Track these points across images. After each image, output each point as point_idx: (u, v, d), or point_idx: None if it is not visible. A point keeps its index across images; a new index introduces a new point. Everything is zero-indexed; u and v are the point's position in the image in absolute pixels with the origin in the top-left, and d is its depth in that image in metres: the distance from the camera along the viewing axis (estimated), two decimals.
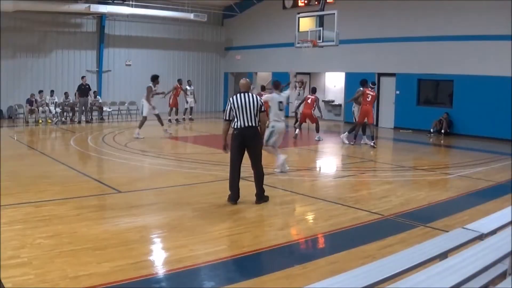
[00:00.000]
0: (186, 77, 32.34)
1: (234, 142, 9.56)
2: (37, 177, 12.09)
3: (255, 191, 9.73)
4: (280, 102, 12.94)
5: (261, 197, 9.74)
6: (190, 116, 28.12)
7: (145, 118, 19.50)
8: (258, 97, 9.85)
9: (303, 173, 13.38)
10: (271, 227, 8.30)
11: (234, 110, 9.51)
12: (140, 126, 19.36)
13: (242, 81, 9.96)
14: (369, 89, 18.36)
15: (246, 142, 9.51)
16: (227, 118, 9.68)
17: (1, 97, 26.69)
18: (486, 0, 20.68)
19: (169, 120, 25.64)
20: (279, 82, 13.48)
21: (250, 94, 9.67)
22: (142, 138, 19.05)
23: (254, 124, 9.51)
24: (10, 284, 5.62)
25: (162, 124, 20.15)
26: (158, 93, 20.18)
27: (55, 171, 13.01)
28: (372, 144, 17.91)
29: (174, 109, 26.84)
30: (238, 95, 9.65)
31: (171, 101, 26.66)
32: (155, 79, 19.90)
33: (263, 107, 9.74)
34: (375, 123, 17.91)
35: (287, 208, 9.55)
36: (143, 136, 19.22)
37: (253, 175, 9.81)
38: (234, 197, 9.65)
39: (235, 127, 9.54)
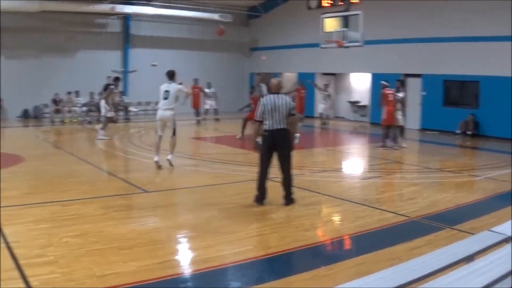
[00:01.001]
0: (211, 77, 32.41)
1: (264, 144, 9.53)
2: (64, 176, 12.25)
3: (282, 193, 9.75)
4: (167, 91, 13.08)
5: (289, 200, 9.69)
6: (216, 117, 28.06)
7: None
8: (289, 98, 9.71)
9: (330, 174, 13.39)
10: (298, 228, 8.30)
11: (265, 112, 9.41)
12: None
13: (273, 81, 9.84)
14: (388, 89, 17.90)
15: (276, 144, 9.46)
16: (258, 119, 9.59)
17: (26, 97, 27.09)
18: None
19: (198, 122, 26.01)
20: (173, 72, 13.40)
21: (281, 96, 9.56)
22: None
23: (284, 126, 9.40)
24: (36, 283, 5.71)
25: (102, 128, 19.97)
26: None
27: (81, 171, 13.16)
28: (395, 146, 17.74)
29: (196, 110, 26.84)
30: (269, 96, 9.56)
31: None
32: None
33: (294, 110, 9.64)
34: (400, 124, 17.62)
35: (313, 209, 9.56)
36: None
37: (280, 177, 9.75)
38: (261, 197, 9.65)
39: (266, 128, 9.45)
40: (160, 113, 13.29)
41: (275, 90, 9.66)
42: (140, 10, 29.07)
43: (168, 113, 13.15)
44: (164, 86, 13.17)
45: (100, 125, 19.63)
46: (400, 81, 18.23)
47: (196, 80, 26.95)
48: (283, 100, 9.46)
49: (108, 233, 7.68)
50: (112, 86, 19.97)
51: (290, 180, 9.70)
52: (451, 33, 23.02)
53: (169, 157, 13.43)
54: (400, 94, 17.43)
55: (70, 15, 27.83)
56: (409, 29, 24.97)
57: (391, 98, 17.55)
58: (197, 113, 26.62)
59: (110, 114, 19.67)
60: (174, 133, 13.43)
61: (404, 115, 17.73)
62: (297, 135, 11.33)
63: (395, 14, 25.67)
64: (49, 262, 6.35)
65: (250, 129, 16.97)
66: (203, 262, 6.59)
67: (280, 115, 9.36)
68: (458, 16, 22.85)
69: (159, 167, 13.25)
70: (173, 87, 13.09)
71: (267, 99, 9.48)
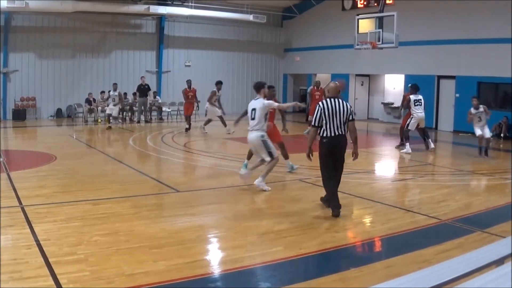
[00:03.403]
0: (247, 78, 32.59)
1: (323, 151, 9.12)
2: (96, 175, 12.45)
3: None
4: (253, 109, 10.94)
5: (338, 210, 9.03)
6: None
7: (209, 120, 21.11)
8: (348, 104, 9.25)
9: (361, 175, 13.35)
10: (328, 229, 8.32)
11: (323, 117, 9.01)
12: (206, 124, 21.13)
13: (331, 84, 9.49)
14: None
15: (335, 151, 9.09)
16: (316, 124, 9.13)
17: (60, 97, 27.74)
18: None
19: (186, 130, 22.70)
20: (261, 84, 11.35)
21: (340, 101, 9.12)
22: (206, 133, 20.62)
23: (343, 133, 9.05)
24: (65, 280, 5.81)
25: (225, 125, 20.64)
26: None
27: (113, 170, 13.35)
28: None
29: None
30: (328, 100, 9.10)
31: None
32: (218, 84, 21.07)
33: (353, 115, 9.21)
34: (426, 126, 17.65)
35: (344, 210, 9.49)
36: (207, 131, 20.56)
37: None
38: (338, 208, 9.00)
39: (324, 135, 9.07)
40: (248, 136, 11.13)
41: (332, 94, 9.27)
42: (175, 10, 29.25)
43: (254, 135, 10.91)
44: (251, 104, 11.07)
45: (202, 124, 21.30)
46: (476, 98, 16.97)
47: (189, 82, 23.83)
48: (342, 105, 9.05)
49: (139, 232, 7.77)
50: (215, 89, 20.90)
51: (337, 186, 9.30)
52: (486, 35, 22.78)
53: (256, 181, 11.04)
54: (481, 109, 16.50)
55: (105, 15, 28.19)
56: (442, 30, 24.75)
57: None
58: (188, 120, 22.89)
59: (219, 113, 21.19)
60: (270, 156, 10.88)
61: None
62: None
63: (429, 15, 25.46)
64: (78, 260, 6.44)
65: None
66: (233, 262, 6.63)
67: (339, 121, 8.98)
68: (492, 18, 22.61)
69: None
70: (259, 103, 10.91)
71: (325, 104, 9.05)
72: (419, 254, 7.12)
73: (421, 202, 10.62)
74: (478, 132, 16.40)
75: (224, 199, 10.51)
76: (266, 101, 10.84)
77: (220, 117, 21.09)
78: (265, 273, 6.48)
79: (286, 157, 13.07)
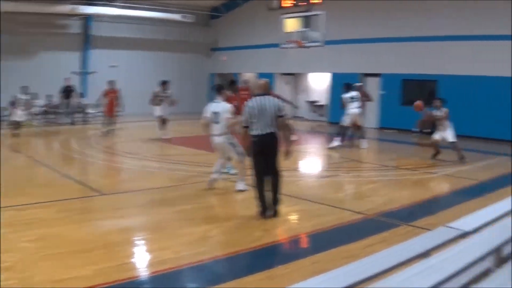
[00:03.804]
0: (174, 78, 32.32)
1: (253, 150, 8.82)
2: (19, 180, 11.97)
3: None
4: (216, 112, 10.62)
5: (277, 210, 8.87)
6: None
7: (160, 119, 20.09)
8: (276, 100, 8.94)
9: (287, 173, 13.31)
10: (255, 228, 8.24)
11: (251, 116, 8.68)
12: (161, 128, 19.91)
13: (260, 81, 9.14)
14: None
15: (265, 150, 8.72)
16: (245, 125, 8.82)
17: None
18: (470, 0, 20.85)
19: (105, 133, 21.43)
20: (222, 86, 11.27)
21: (268, 98, 8.79)
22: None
23: (273, 131, 8.67)
24: None
25: (161, 129, 20.07)
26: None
27: (38, 174, 12.93)
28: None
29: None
30: (255, 99, 8.79)
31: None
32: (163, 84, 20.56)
33: (282, 111, 8.79)
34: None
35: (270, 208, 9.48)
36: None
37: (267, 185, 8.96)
38: (264, 209, 8.82)
39: (253, 134, 8.73)
40: (215, 140, 10.83)
41: (261, 91, 8.91)
42: (102, 10, 28.77)
43: (222, 140, 10.66)
44: (213, 107, 10.76)
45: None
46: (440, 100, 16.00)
47: (111, 83, 22.43)
48: (270, 102, 8.71)
49: (66, 237, 7.54)
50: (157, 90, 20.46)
51: (278, 188, 8.94)
52: (410, 33, 23.30)
53: (239, 186, 10.74)
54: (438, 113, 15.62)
55: (30, 16, 27.27)
56: (368, 29, 25.17)
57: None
58: (110, 122, 22.01)
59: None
60: (239, 154, 10.53)
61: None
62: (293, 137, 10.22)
63: (355, 15, 25.86)
64: (5, 268, 6.16)
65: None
66: (160, 264, 6.53)
67: (268, 119, 8.61)
68: (415, 16, 23.14)
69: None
70: (222, 107, 10.65)
71: (253, 103, 8.74)
72: (345, 249, 7.15)
73: (347, 198, 10.73)
74: (437, 136, 15.42)
75: (150, 200, 10.31)
76: (229, 106, 10.69)
77: (160, 118, 19.99)
78: (193, 274, 6.40)
79: None
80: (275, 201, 8.89)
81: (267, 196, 8.84)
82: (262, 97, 8.76)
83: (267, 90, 8.99)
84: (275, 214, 8.79)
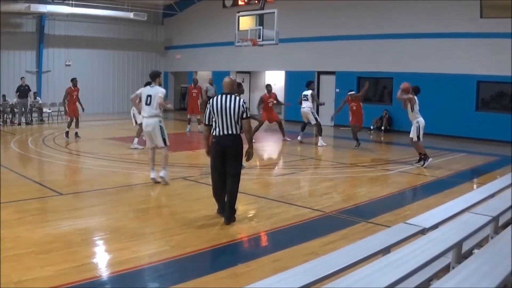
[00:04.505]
0: (127, 77, 32.17)
1: (212, 151, 8.54)
2: None
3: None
4: (149, 95, 11.21)
5: (231, 217, 8.47)
6: None
7: None
8: (242, 100, 8.46)
9: (244, 171, 13.28)
10: (214, 227, 8.21)
11: (213, 115, 8.41)
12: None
13: (226, 79, 8.66)
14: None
15: (225, 152, 8.37)
16: (206, 123, 8.60)
17: None
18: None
19: (66, 134, 19.82)
20: (157, 73, 11.74)
21: (232, 97, 8.39)
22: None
23: (234, 132, 8.33)
24: None
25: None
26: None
27: None
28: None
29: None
30: (219, 97, 8.42)
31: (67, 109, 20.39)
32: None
33: (247, 113, 8.44)
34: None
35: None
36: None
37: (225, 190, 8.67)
38: (223, 207, 8.58)
39: (214, 134, 8.44)
40: (144, 121, 11.44)
41: (227, 89, 8.54)
42: (55, 9, 28.44)
43: (153, 120, 11.23)
44: (146, 90, 11.36)
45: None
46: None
47: (74, 81, 20.48)
48: (234, 102, 8.32)
49: (24, 238, 7.40)
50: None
51: (235, 194, 8.57)
52: (365, 31, 23.55)
53: (161, 173, 11.30)
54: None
55: None
56: (322, 27, 25.35)
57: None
58: (75, 122, 20.00)
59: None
60: (164, 143, 11.32)
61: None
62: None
63: (308, 13, 25.98)
64: None
65: None
66: (120, 264, 6.46)
67: (230, 119, 8.28)
68: (369, 15, 23.38)
69: (156, 183, 11.44)
70: (155, 91, 11.23)
71: (214, 101, 8.41)
72: (305, 246, 7.16)
73: (305, 195, 10.77)
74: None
75: (108, 200, 10.16)
76: (162, 90, 11.34)
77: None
78: (153, 273, 6.34)
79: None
80: (230, 208, 8.49)
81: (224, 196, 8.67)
82: (225, 96, 8.38)
83: (232, 89, 8.61)
84: (228, 221, 8.38)
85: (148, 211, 9.23)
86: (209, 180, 9.07)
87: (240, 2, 29.59)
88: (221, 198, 8.62)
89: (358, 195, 10.60)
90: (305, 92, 18.40)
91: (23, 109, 25.50)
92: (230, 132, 8.31)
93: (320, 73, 25.95)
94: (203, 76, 31.53)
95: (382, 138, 21.31)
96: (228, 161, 8.40)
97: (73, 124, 19.58)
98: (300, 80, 18.81)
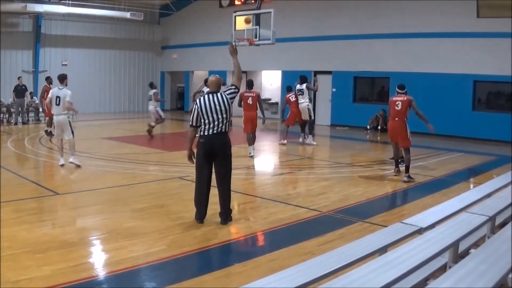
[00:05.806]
0: (124, 76, 32.10)
1: (200, 152, 8.24)
2: None
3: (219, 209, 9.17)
4: (58, 97, 13.24)
5: (227, 218, 8.40)
6: None
7: None
8: (224, 92, 8.33)
9: (241, 171, 13.30)
10: (210, 226, 8.18)
11: (201, 115, 8.17)
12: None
13: (211, 78, 8.53)
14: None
15: (214, 152, 8.21)
16: (193, 124, 8.32)
17: None
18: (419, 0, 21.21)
19: (46, 132, 20.10)
20: (64, 76, 13.82)
21: (220, 96, 8.20)
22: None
23: (223, 131, 8.19)
24: None
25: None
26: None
27: None
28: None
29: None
30: (206, 96, 8.23)
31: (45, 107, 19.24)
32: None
33: (232, 92, 8.36)
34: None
35: None
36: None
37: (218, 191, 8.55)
38: (201, 215, 8.37)
39: (201, 134, 8.20)
40: (55, 118, 13.65)
41: (213, 88, 8.36)
42: (52, 8, 28.41)
43: (62, 117, 13.44)
44: (55, 92, 13.48)
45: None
46: None
47: (48, 79, 20.66)
48: (221, 100, 8.15)
49: (21, 238, 7.37)
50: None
51: (229, 194, 8.50)
52: (361, 30, 23.54)
53: (71, 159, 13.43)
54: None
55: None
56: (319, 27, 25.36)
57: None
58: (50, 124, 19.03)
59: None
60: (72, 134, 13.56)
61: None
62: None
63: (306, 12, 26.00)
64: None
65: None
66: (117, 264, 6.44)
67: (218, 118, 8.09)
68: (365, 14, 23.39)
69: (62, 165, 13.41)
70: (63, 93, 13.32)
71: (202, 101, 8.19)
72: (301, 246, 7.15)
73: (301, 195, 10.73)
74: None
75: (104, 200, 10.14)
76: (69, 92, 13.33)
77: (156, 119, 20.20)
78: (150, 273, 6.31)
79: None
80: (226, 210, 8.42)
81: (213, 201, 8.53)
82: (212, 95, 8.22)
83: (218, 88, 8.44)
84: (225, 221, 8.34)
85: (145, 211, 9.19)
86: None
87: (236, 2, 29.53)
88: (202, 205, 8.39)
89: (355, 194, 10.57)
90: (299, 87, 18.24)
91: (19, 108, 25.46)
92: (219, 130, 8.13)
93: (316, 72, 25.95)
94: (200, 76, 31.54)
95: (378, 138, 21.32)
96: (218, 161, 8.26)
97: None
98: (296, 79, 18.74)
